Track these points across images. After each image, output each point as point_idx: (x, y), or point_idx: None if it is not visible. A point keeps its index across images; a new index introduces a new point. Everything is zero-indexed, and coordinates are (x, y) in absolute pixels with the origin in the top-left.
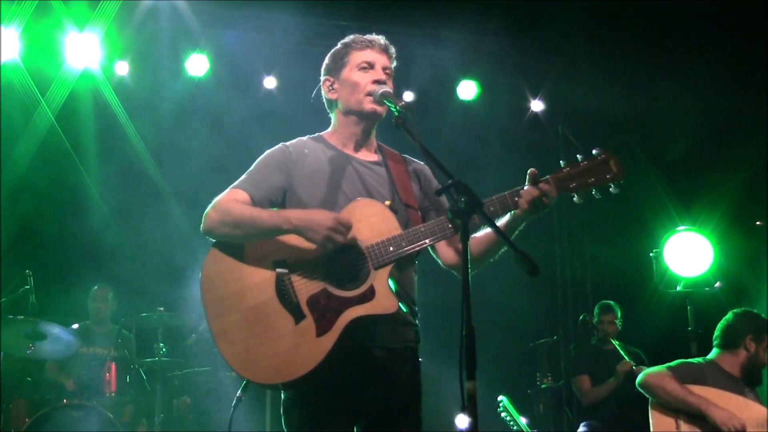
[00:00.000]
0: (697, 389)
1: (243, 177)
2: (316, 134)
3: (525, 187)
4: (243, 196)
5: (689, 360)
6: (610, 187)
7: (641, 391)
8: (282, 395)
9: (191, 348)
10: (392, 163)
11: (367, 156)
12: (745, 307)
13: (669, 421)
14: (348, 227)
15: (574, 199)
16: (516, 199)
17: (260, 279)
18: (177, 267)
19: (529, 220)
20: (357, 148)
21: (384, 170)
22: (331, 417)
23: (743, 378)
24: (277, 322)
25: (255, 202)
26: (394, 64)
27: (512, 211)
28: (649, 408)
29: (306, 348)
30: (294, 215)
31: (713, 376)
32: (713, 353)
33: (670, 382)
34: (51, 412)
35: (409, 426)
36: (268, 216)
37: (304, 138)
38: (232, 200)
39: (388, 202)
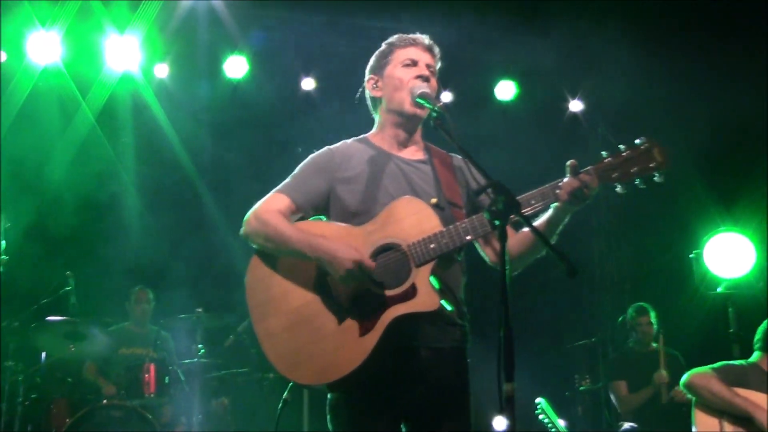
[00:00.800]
0: (741, 392)
1: (286, 181)
2: (361, 136)
3: (565, 179)
4: (284, 200)
5: (732, 362)
6: (655, 176)
7: (685, 391)
8: (328, 395)
9: (229, 349)
10: (438, 161)
11: (413, 155)
12: None
13: (713, 422)
14: (369, 269)
15: (617, 189)
16: (557, 191)
17: (303, 281)
18: (216, 268)
19: (570, 212)
20: (401, 147)
21: (429, 168)
22: (377, 417)
23: None
24: (320, 323)
25: (297, 207)
26: (439, 64)
27: (554, 204)
28: (693, 408)
29: (349, 348)
30: (320, 246)
31: (756, 379)
32: (755, 356)
33: (716, 383)
34: (91, 412)
35: (457, 427)
36: (297, 240)
37: (349, 140)
38: (271, 210)
39: (434, 200)
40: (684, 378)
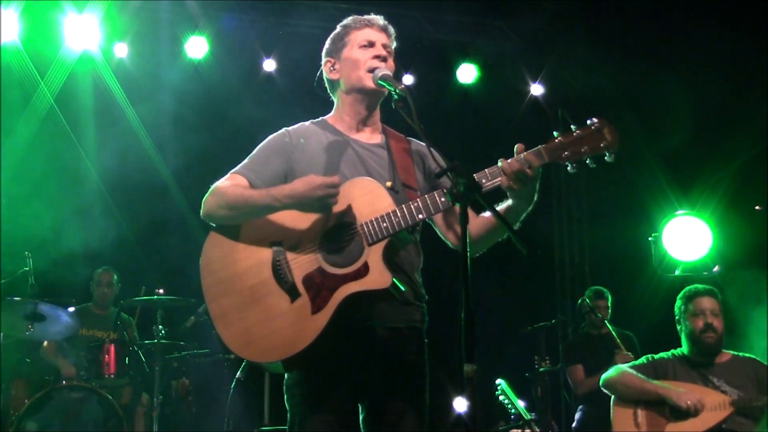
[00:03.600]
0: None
1: (243, 162)
2: (319, 118)
3: (508, 159)
4: (242, 181)
5: (657, 356)
6: (605, 155)
7: (606, 392)
8: (285, 374)
9: (190, 330)
10: (395, 145)
11: (370, 138)
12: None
13: (628, 413)
14: (335, 183)
15: (569, 168)
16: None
17: (257, 260)
18: (175, 250)
19: (522, 197)
20: (360, 129)
21: (385, 152)
22: (333, 395)
23: (701, 360)
24: (273, 302)
25: (254, 187)
26: (395, 44)
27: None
28: (611, 406)
29: (302, 326)
30: (280, 193)
31: (680, 370)
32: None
33: (628, 375)
34: (50, 393)
35: (414, 406)
36: (259, 195)
37: (306, 123)
38: (230, 185)
39: (389, 183)
40: (601, 380)
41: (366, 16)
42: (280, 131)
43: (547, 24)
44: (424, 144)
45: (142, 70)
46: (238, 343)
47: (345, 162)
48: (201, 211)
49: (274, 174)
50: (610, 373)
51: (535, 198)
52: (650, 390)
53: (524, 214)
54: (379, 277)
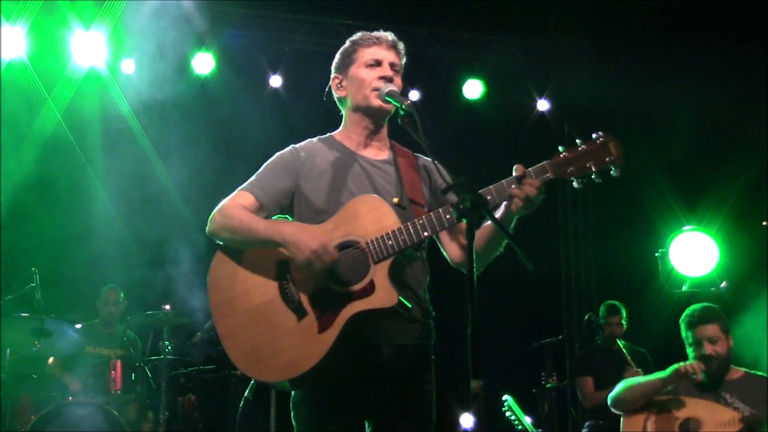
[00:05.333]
0: (663, 398)
1: (251, 179)
2: (327, 135)
3: (513, 187)
4: (249, 198)
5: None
6: (611, 170)
7: (615, 410)
8: (291, 393)
9: (196, 346)
10: (402, 161)
11: (377, 154)
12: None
13: (638, 419)
14: (333, 257)
15: (574, 184)
16: (512, 186)
17: (264, 279)
18: (182, 266)
19: (518, 215)
20: (367, 146)
21: (393, 168)
22: (339, 414)
23: (710, 382)
24: (280, 321)
25: (262, 205)
26: (404, 60)
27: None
28: (621, 420)
29: (308, 345)
30: (287, 230)
31: (688, 386)
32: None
33: (630, 382)
34: (57, 409)
35: (420, 423)
36: (264, 228)
37: (314, 139)
38: (236, 205)
39: (396, 200)
40: (609, 399)
41: (375, 33)
42: (287, 148)
43: (553, 39)
44: (431, 159)
45: (148, 87)
46: (246, 363)
47: (352, 178)
48: (207, 228)
49: (280, 191)
50: (616, 389)
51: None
52: (652, 382)
53: (514, 222)
54: (384, 296)
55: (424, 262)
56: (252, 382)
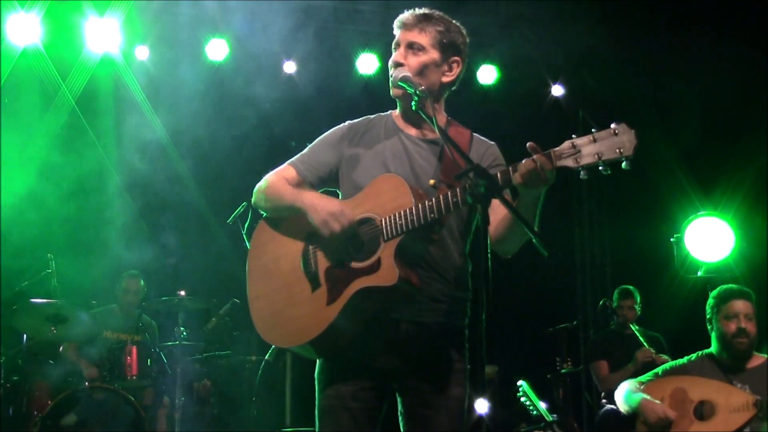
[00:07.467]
0: (674, 378)
1: (301, 152)
2: (388, 111)
3: (523, 161)
4: (291, 171)
5: (676, 361)
6: (622, 162)
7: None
8: (317, 362)
9: (212, 332)
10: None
11: (425, 134)
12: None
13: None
14: (350, 220)
15: (581, 174)
16: (514, 172)
17: (292, 249)
18: (198, 251)
19: (533, 195)
20: (415, 126)
21: (438, 149)
22: (356, 381)
23: (731, 364)
24: (297, 290)
25: (302, 178)
26: (435, 33)
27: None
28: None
29: (315, 315)
30: (307, 197)
31: (704, 368)
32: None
33: (619, 391)
34: (73, 395)
35: (448, 399)
36: (290, 194)
37: (373, 116)
38: (276, 176)
39: (432, 181)
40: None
41: (403, 15)
42: (342, 124)
43: (567, 25)
44: (490, 142)
45: (162, 73)
46: (264, 326)
47: (392, 157)
48: (252, 199)
49: (322, 164)
50: (618, 391)
51: (541, 200)
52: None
53: (537, 207)
54: (386, 274)
55: (456, 243)
56: (272, 346)
